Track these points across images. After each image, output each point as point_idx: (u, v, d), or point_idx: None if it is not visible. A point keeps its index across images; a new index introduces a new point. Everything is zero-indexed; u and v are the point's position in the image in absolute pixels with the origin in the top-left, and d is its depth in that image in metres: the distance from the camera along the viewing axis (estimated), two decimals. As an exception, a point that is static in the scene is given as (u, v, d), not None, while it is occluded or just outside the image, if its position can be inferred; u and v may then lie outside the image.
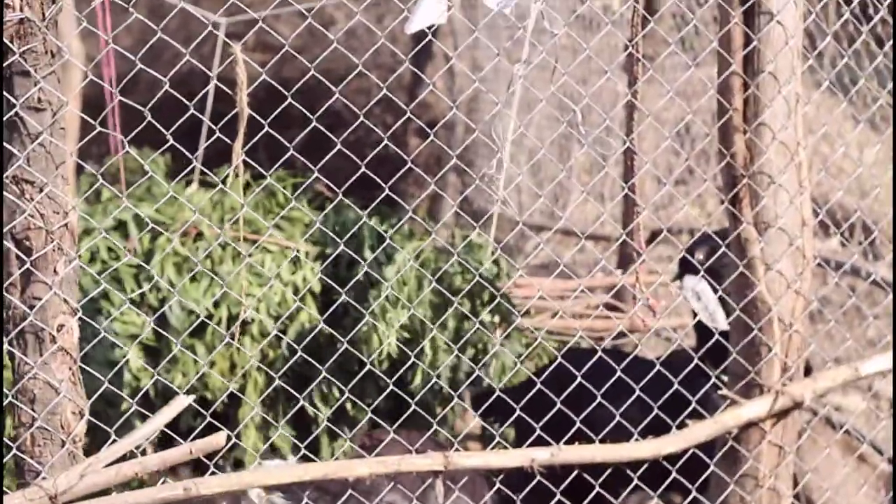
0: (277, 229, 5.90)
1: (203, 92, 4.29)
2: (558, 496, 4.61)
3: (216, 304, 5.66)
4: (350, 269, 5.78)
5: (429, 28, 4.37)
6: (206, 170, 4.81)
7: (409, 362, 5.51)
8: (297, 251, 5.80)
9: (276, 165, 4.57)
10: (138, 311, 5.63)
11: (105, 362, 5.42)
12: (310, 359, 4.99)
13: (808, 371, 4.81)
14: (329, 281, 5.04)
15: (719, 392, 4.67)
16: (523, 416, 4.64)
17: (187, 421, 5.55)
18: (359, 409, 5.62)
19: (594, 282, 7.35)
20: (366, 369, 4.83)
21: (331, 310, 5.08)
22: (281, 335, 5.65)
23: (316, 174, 4.16)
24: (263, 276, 5.73)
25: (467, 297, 5.87)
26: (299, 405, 5.62)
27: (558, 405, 4.64)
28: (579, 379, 4.72)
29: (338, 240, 5.12)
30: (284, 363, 5.59)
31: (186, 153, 4.14)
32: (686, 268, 5.52)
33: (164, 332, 5.23)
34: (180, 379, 5.59)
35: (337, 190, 4.41)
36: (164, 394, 5.53)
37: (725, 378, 4.80)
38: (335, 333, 4.86)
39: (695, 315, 5.55)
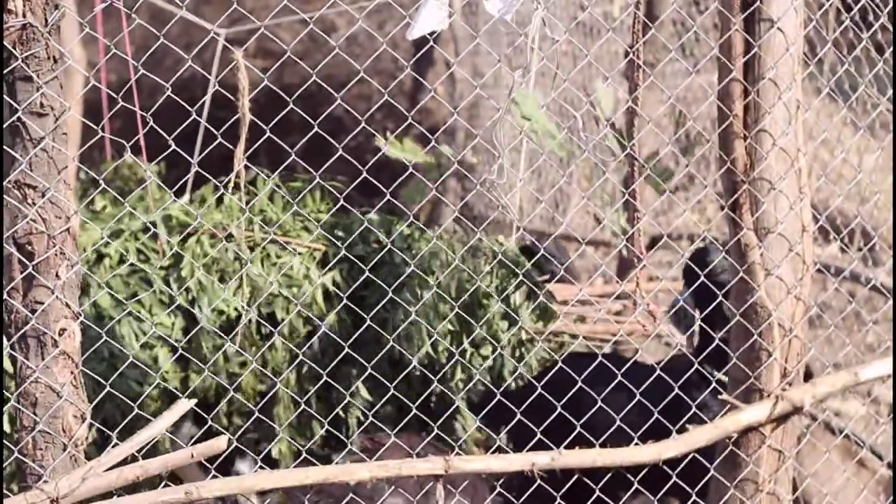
0: (305, 231, 5.91)
1: (204, 99, 4.30)
2: (558, 500, 4.62)
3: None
4: (375, 271, 5.80)
5: (430, 34, 4.39)
6: (207, 174, 4.82)
7: (410, 364, 5.52)
8: (310, 251, 5.81)
9: (278, 171, 4.58)
10: (168, 312, 5.65)
11: (134, 363, 5.44)
12: (336, 359, 5.01)
13: (807, 376, 4.81)
14: (333, 289, 5.04)
15: (720, 396, 4.68)
16: (523, 420, 4.65)
17: (219, 421, 5.58)
18: (390, 409, 5.65)
19: (595, 289, 7.35)
20: (368, 371, 4.83)
21: (337, 306, 5.06)
22: (283, 347, 5.66)
23: (318, 179, 4.17)
24: (292, 277, 5.74)
25: (501, 299, 5.90)
26: (298, 406, 5.63)
27: (559, 409, 4.65)
28: (580, 384, 4.73)
29: (336, 244, 5.13)
30: (314, 363, 5.61)
31: (188, 157, 4.16)
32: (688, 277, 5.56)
33: (195, 334, 5.25)
34: (210, 379, 5.60)
35: (339, 195, 4.42)
36: (195, 395, 5.57)
37: (724, 379, 4.80)
38: (364, 333, 4.87)
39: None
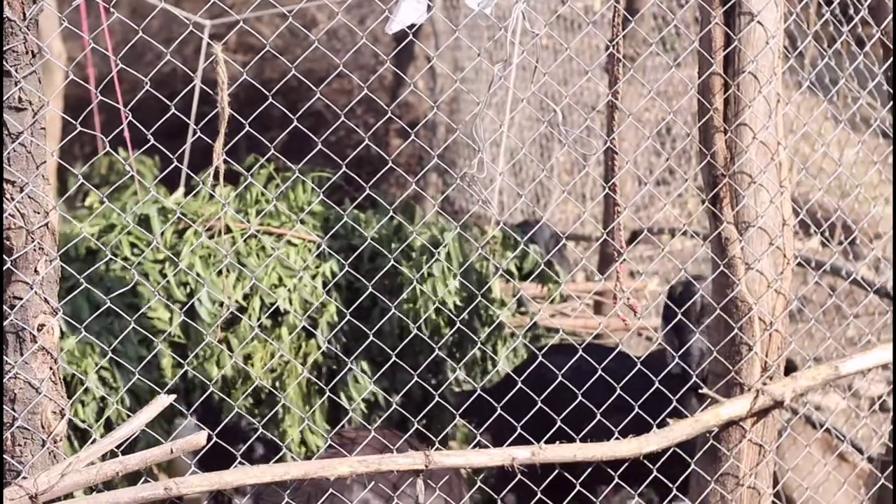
0: (301, 223, 5.91)
1: (184, 91, 4.29)
2: (539, 495, 4.61)
3: (246, 297, 5.66)
4: (372, 262, 5.80)
5: (410, 28, 4.38)
6: (190, 173, 4.81)
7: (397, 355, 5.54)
8: (305, 243, 5.81)
9: (258, 164, 4.57)
10: (164, 304, 5.63)
11: (136, 358, 5.42)
12: (339, 352, 5.01)
13: (789, 370, 4.81)
14: (328, 281, 5.03)
15: (700, 391, 4.68)
16: (503, 414, 4.64)
17: (229, 412, 5.58)
18: (396, 399, 5.65)
19: (578, 286, 7.36)
20: (362, 362, 4.84)
21: (335, 297, 5.04)
22: (308, 332, 5.66)
23: (297, 173, 4.16)
24: (290, 268, 5.73)
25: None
26: (302, 398, 5.64)
27: (539, 403, 4.64)
28: (560, 378, 4.73)
29: (319, 237, 5.12)
30: (318, 354, 5.61)
31: (168, 153, 4.14)
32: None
33: (194, 326, 5.25)
34: (215, 371, 5.58)
35: (329, 188, 4.42)
36: (202, 386, 5.56)
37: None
38: (365, 324, 4.86)
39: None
